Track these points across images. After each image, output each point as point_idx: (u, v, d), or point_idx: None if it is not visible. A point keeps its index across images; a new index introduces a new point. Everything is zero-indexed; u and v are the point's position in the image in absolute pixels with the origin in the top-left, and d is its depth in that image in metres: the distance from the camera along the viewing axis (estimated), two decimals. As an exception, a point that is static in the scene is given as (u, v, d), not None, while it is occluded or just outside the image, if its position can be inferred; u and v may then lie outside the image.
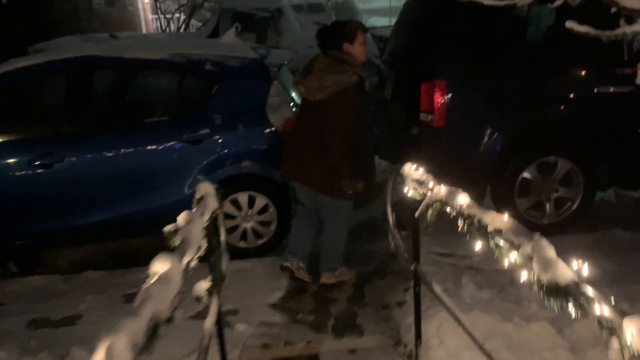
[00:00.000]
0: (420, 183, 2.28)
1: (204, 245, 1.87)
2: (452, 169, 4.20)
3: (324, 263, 3.65)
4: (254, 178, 4.01)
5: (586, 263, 1.32)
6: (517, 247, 1.48)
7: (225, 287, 2.75)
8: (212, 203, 2.26)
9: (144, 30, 18.62)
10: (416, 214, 2.21)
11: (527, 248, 1.43)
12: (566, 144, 4.22)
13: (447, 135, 4.11)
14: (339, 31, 3.30)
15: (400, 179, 2.51)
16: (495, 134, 4.10)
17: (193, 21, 17.63)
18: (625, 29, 1.79)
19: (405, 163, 2.50)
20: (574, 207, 4.26)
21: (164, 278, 1.36)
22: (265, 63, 4.09)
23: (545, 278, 1.29)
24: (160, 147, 3.85)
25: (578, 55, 4.11)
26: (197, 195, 2.29)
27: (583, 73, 4.18)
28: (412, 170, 2.39)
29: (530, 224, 4.26)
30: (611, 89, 4.08)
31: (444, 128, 4.07)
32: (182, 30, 16.44)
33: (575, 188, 4.22)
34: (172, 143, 3.86)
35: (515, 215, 4.23)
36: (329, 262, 3.63)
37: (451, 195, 1.92)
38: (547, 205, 4.26)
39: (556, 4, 2.37)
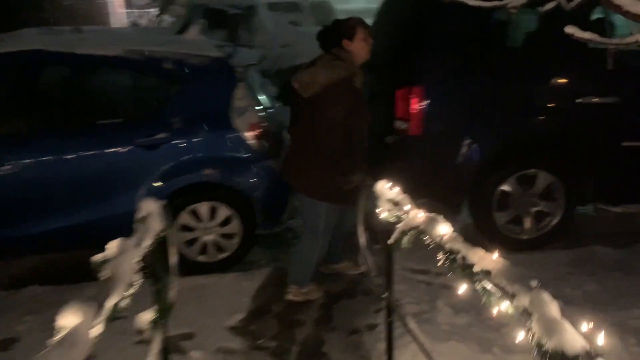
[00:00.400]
0: (396, 204, 2.02)
1: (137, 280, 1.57)
2: (429, 180, 4.01)
3: (293, 275, 3.40)
4: (216, 187, 3.70)
5: (602, 332, 1.06)
6: (510, 297, 1.22)
7: (180, 307, 2.47)
8: (155, 225, 1.96)
9: (115, 25, 18.06)
10: (389, 241, 1.94)
11: (524, 300, 1.17)
12: (547, 156, 4.03)
13: (424, 144, 3.88)
14: (338, 28, 3.19)
15: (374, 196, 2.25)
16: (474, 145, 3.89)
17: (166, 16, 17.17)
18: (638, 37, 1.56)
19: (379, 179, 2.23)
20: (554, 222, 4.07)
21: (67, 339, 1.07)
22: (230, 63, 3.79)
23: (549, 344, 1.03)
24: (112, 152, 3.52)
25: (560, 64, 3.94)
26: (139, 215, 1.98)
27: (566, 82, 3.99)
28: (386, 189, 2.12)
29: (509, 239, 4.08)
30: (594, 100, 3.90)
31: (421, 137, 3.84)
32: (154, 25, 15.97)
33: (556, 202, 4.04)
34: (125, 147, 3.53)
35: (494, 229, 4.05)
36: (298, 274, 3.39)
37: (430, 223, 1.66)
38: (527, 220, 4.06)
39: (548, 7, 2.14)
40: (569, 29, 1.75)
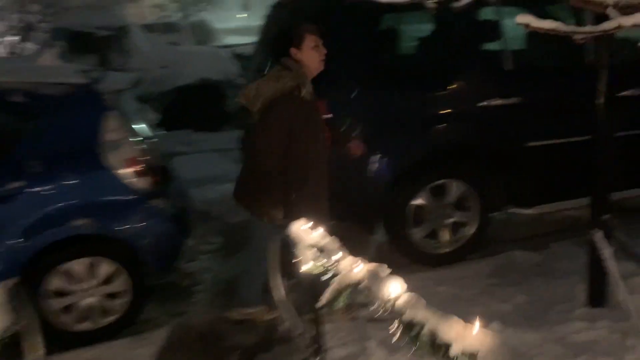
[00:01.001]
0: (321, 250, 1.60)
1: None
2: (339, 201, 3.68)
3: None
4: (92, 239, 3.09)
5: None
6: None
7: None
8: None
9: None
10: (321, 303, 1.51)
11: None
12: (456, 164, 3.88)
13: (331, 162, 3.53)
14: (285, 36, 2.93)
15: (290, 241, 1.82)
16: (383, 159, 3.65)
17: (28, 45, 15.67)
18: (621, 21, 1.28)
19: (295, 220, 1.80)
20: (471, 232, 3.90)
21: None
22: (97, 89, 3.21)
23: None
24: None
25: (459, 68, 3.81)
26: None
27: (466, 87, 3.84)
28: (306, 231, 1.70)
29: (427, 255, 3.89)
30: (496, 102, 3.79)
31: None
32: (15, 54, 14.48)
33: (470, 211, 3.87)
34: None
35: (410, 246, 3.81)
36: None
37: (374, 280, 1.26)
38: (444, 232, 3.86)
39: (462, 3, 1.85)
40: (522, 19, 1.45)
